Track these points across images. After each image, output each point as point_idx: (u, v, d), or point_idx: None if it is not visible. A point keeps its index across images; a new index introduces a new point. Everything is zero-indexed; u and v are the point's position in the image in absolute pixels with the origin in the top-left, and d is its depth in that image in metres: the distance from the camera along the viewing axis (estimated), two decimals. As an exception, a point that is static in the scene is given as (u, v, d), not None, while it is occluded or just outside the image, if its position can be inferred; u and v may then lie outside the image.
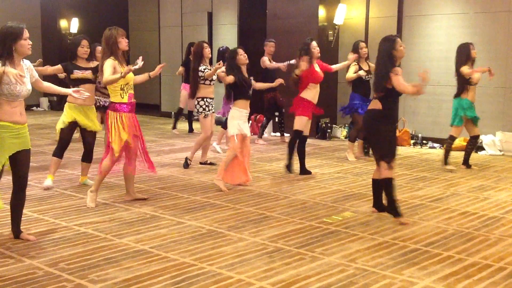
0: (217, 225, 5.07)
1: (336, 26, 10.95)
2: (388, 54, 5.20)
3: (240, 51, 6.61)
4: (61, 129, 6.43)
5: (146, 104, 14.99)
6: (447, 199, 6.13)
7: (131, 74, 5.68)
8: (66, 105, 6.42)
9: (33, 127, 11.38)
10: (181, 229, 4.94)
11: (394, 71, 5.11)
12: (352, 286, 3.71)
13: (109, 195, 6.18)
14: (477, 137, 7.84)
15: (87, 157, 6.61)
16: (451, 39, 9.82)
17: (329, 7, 10.89)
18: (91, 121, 6.47)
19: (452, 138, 7.78)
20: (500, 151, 9.13)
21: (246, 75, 6.66)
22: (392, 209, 5.25)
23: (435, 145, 9.81)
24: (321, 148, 9.66)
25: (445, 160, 7.77)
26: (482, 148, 9.24)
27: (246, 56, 6.63)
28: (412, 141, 10.05)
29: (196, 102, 7.62)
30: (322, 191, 6.46)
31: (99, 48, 7.20)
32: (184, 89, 10.87)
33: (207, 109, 7.55)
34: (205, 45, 7.69)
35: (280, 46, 10.28)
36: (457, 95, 7.68)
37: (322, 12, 10.83)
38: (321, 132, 10.82)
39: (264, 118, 10.52)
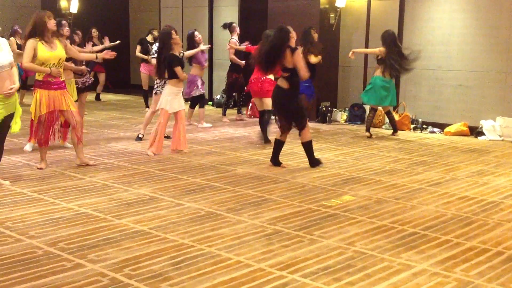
0: (216, 207, 5.08)
1: (338, 9, 10.87)
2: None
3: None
4: None
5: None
6: (446, 183, 6.14)
7: (50, 55, 6.02)
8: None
9: None
10: (180, 211, 4.95)
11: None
12: (350, 268, 3.72)
13: (109, 175, 6.19)
14: None
15: None
16: (454, 24, 9.76)
17: (331, -11, 10.81)
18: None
19: None
20: (500, 136, 9.12)
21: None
22: (314, 162, 6.76)
23: (435, 129, 9.80)
24: (321, 132, 9.65)
25: None
26: (482, 133, 9.23)
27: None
28: (412, 126, 10.03)
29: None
30: (322, 174, 6.47)
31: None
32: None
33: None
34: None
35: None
36: None
37: (324, -6, 10.75)
38: (321, 116, 10.80)
39: (225, 97, 11.18)
